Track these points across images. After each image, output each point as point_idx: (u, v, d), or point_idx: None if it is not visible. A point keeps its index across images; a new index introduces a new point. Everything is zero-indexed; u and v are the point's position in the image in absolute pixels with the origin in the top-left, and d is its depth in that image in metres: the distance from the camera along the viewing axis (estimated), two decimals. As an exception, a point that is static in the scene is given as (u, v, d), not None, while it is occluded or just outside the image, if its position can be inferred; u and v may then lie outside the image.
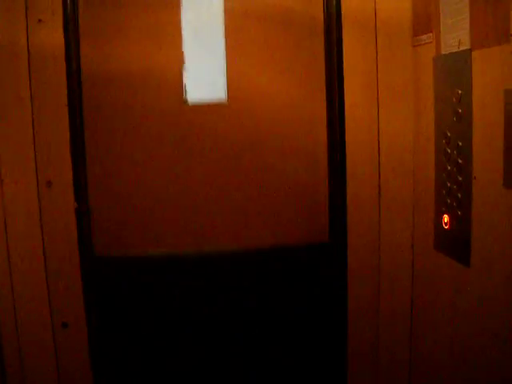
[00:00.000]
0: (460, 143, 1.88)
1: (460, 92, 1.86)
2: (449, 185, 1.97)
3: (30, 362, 2.29)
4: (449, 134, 1.95)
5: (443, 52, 1.97)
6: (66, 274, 2.28)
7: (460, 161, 1.89)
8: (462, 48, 1.83)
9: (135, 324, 2.42)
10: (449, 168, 1.96)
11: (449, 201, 1.98)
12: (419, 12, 2.17)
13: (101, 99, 2.33)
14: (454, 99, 1.89)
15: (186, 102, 2.34)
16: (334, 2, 2.25)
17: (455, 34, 1.87)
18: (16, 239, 2.23)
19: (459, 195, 1.91)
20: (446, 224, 2.00)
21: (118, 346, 2.43)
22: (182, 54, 2.32)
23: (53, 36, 2.17)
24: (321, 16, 2.32)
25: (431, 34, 2.06)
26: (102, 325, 2.39)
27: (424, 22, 2.12)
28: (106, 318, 2.40)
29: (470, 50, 1.78)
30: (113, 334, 2.42)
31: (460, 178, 1.89)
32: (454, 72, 1.90)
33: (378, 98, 2.30)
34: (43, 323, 2.28)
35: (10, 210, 2.21)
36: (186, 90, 2.34)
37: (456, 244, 1.95)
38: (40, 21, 2.16)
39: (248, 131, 2.39)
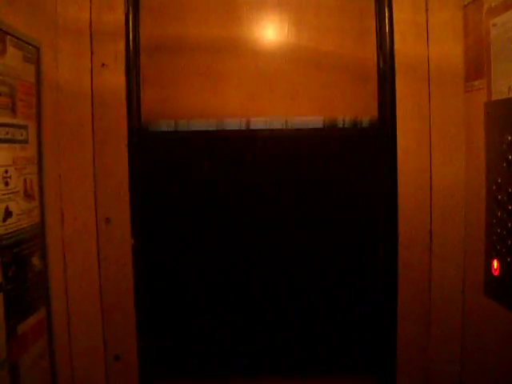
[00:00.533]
0: (510, 190, 1.88)
1: (510, 138, 1.86)
2: (499, 231, 1.96)
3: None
4: (499, 181, 1.95)
5: (494, 98, 1.98)
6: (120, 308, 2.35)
7: (510, 207, 1.88)
8: (512, 95, 1.85)
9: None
10: (499, 214, 1.96)
11: (499, 247, 1.97)
12: (471, 57, 2.19)
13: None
14: (505, 146, 1.90)
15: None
16: (388, 49, 2.29)
17: (506, 80, 1.88)
18: (74, 273, 2.31)
19: (509, 241, 1.89)
20: (495, 270, 1.99)
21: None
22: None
23: (115, 79, 2.28)
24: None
25: (482, 81, 2.07)
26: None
27: (476, 67, 2.14)
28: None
29: (520, 97, 1.79)
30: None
31: (510, 225, 1.89)
32: (504, 118, 1.91)
33: (430, 144, 2.30)
34: (97, 357, 2.35)
35: (69, 245, 2.30)
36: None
37: (506, 290, 1.93)
38: (103, 65, 2.27)
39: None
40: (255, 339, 2.49)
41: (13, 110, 1.84)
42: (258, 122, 2.40)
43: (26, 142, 1.93)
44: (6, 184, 1.79)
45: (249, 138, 2.42)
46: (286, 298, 2.46)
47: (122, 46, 2.28)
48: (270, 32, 2.41)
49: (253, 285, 2.45)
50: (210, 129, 2.40)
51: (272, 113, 2.41)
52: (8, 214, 1.80)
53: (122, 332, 2.35)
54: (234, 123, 2.39)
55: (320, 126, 2.40)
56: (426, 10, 2.28)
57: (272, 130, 2.41)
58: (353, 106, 2.42)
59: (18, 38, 1.87)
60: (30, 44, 1.97)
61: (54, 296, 2.13)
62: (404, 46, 2.29)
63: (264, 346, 2.49)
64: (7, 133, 1.80)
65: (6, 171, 1.79)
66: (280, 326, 2.48)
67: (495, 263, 1.99)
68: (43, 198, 2.06)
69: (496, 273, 1.99)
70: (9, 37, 1.81)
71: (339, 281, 2.47)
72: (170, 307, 2.47)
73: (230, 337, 2.48)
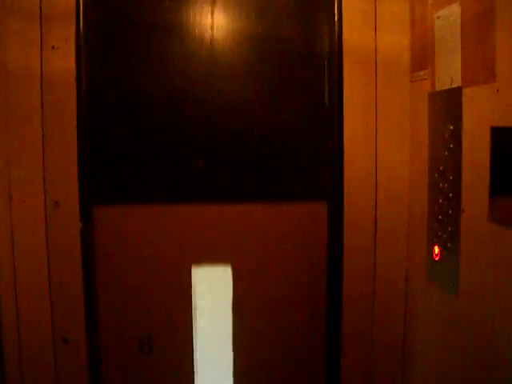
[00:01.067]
0: (451, 177, 1.94)
1: (451, 127, 1.92)
2: (440, 217, 2.03)
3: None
4: (441, 168, 2.01)
5: (437, 88, 2.04)
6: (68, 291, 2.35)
7: (450, 194, 1.94)
8: (453, 85, 1.90)
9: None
10: (440, 201, 2.02)
11: (440, 233, 2.03)
12: (417, 48, 2.25)
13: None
14: (446, 134, 1.96)
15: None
16: (336, 38, 2.33)
17: (448, 71, 1.94)
18: (22, 256, 2.30)
19: (449, 228, 1.96)
20: (436, 255, 2.06)
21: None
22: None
23: (65, 62, 2.26)
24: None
25: (427, 71, 2.13)
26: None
27: (421, 58, 2.20)
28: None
29: (461, 88, 1.84)
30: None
31: (450, 211, 1.95)
32: (446, 108, 1.97)
33: (376, 131, 2.36)
34: (45, 338, 2.35)
35: (18, 228, 2.29)
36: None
37: (445, 275, 2.00)
38: (54, 47, 2.26)
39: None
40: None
41: (-40, 92, 1.83)
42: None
43: (-27, 123, 1.92)
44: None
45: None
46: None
47: (72, 29, 2.26)
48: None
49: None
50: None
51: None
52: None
53: (71, 315, 2.35)
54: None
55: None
56: (375, 0, 2.33)
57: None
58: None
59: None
60: (-23, 25, 1.96)
61: (1, 279, 2.13)
62: (352, 36, 2.34)
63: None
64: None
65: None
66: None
67: (436, 249, 2.06)
68: (-10, 180, 2.05)
69: (437, 258, 2.06)
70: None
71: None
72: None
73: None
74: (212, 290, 2.50)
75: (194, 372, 2.50)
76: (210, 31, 2.38)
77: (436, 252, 2.06)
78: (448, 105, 1.95)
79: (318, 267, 2.48)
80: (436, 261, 2.07)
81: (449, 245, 1.96)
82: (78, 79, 2.28)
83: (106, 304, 2.44)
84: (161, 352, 2.48)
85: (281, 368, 2.53)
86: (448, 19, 1.93)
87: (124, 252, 2.42)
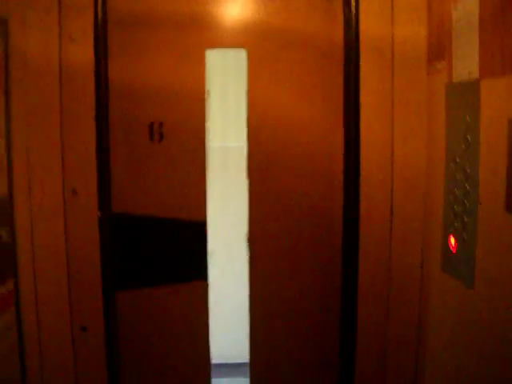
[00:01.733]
0: (468, 169, 1.94)
1: (469, 119, 1.92)
2: (456, 209, 2.03)
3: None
4: (458, 160, 2.01)
5: (455, 80, 2.03)
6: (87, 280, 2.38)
7: (467, 186, 1.95)
8: (471, 77, 1.90)
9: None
10: (457, 193, 2.02)
11: (456, 224, 2.04)
12: (434, 40, 2.25)
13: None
14: (464, 126, 1.96)
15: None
16: (353, 29, 2.33)
17: (466, 63, 1.93)
18: (41, 244, 2.33)
19: (465, 219, 1.96)
20: (452, 246, 2.06)
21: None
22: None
23: (83, 53, 2.29)
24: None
25: (444, 62, 2.12)
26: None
27: (438, 50, 2.20)
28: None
29: (479, 80, 1.84)
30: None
31: (467, 203, 1.95)
32: (463, 100, 1.97)
33: (393, 122, 2.37)
34: (63, 326, 2.38)
35: (37, 216, 2.32)
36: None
37: (461, 266, 2.00)
38: (72, 38, 2.27)
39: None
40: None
41: (-19, 83, 1.85)
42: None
43: (-6, 114, 1.94)
44: (-25, 157, 1.81)
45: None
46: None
47: (90, 20, 2.28)
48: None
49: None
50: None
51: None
52: (-23, 186, 1.82)
53: (89, 303, 2.38)
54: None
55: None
56: (392, -9, 2.33)
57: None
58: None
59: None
60: (-3, 16, 1.97)
61: (21, 268, 2.15)
62: (369, 27, 2.34)
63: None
64: (-24, 106, 1.81)
65: (-25, 144, 1.81)
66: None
67: (452, 239, 2.06)
68: (11, 170, 2.07)
69: (453, 249, 2.06)
70: (-23, 9, 1.81)
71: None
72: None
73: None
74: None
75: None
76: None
77: (452, 243, 2.06)
78: (465, 96, 1.95)
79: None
80: (452, 252, 2.07)
81: (465, 236, 1.97)
82: (97, 70, 2.30)
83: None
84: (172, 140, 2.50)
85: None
86: (466, 11, 1.92)
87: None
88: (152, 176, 2.47)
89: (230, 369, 2.70)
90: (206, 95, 2.44)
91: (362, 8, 2.32)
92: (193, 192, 2.48)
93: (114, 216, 2.43)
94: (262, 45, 2.44)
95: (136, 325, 2.51)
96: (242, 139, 2.52)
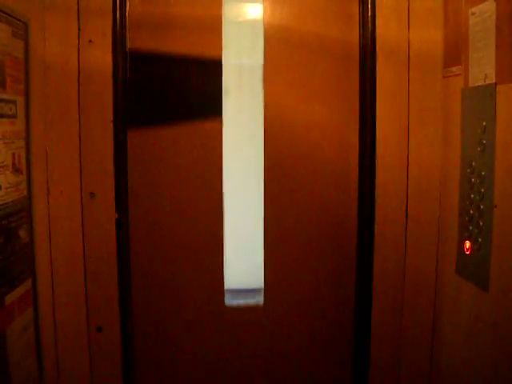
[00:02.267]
0: (483, 173, 1.95)
1: (485, 124, 1.93)
2: (471, 212, 2.04)
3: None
4: (473, 164, 2.02)
5: (471, 84, 2.05)
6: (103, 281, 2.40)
7: (482, 189, 1.96)
8: (487, 82, 1.91)
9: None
10: (472, 196, 2.03)
11: (471, 227, 2.05)
12: (450, 44, 2.26)
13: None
14: (479, 130, 1.97)
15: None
16: (370, 32, 2.34)
17: (482, 67, 1.95)
18: (59, 246, 2.35)
19: (481, 222, 1.97)
20: (467, 249, 2.07)
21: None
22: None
23: (102, 56, 2.31)
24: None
25: (460, 67, 2.14)
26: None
27: (454, 54, 2.21)
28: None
29: (495, 84, 1.85)
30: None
31: (482, 206, 1.96)
32: (479, 104, 1.98)
33: (408, 126, 2.38)
34: (80, 327, 2.40)
35: (55, 219, 2.34)
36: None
37: (476, 270, 2.01)
38: (91, 41, 2.30)
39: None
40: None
41: (2, 85, 1.87)
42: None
43: (14, 116, 1.96)
44: (-4, 158, 1.83)
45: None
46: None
47: (109, 23, 2.30)
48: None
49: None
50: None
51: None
52: (-3, 187, 1.84)
53: (105, 304, 2.40)
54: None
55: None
56: (408, -5, 2.35)
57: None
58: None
59: (6, 14, 1.89)
60: (18, 19, 1.99)
61: (39, 268, 2.17)
62: (386, 30, 2.35)
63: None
64: (-3, 108, 1.84)
65: (-4, 145, 1.83)
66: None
67: (467, 243, 2.07)
68: (30, 171, 2.10)
69: (468, 252, 2.07)
70: (-1, 12, 1.84)
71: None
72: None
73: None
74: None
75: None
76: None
77: (467, 246, 2.07)
78: (481, 101, 1.96)
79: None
80: (467, 255, 2.08)
81: (480, 240, 1.98)
82: (115, 73, 2.32)
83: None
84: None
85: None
86: (482, 15, 1.94)
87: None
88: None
89: (245, 294, 2.66)
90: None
91: (378, 11, 2.34)
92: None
93: (131, 51, 2.42)
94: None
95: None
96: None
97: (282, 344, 2.60)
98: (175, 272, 2.52)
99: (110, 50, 2.31)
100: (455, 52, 2.19)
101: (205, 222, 2.51)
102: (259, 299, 2.58)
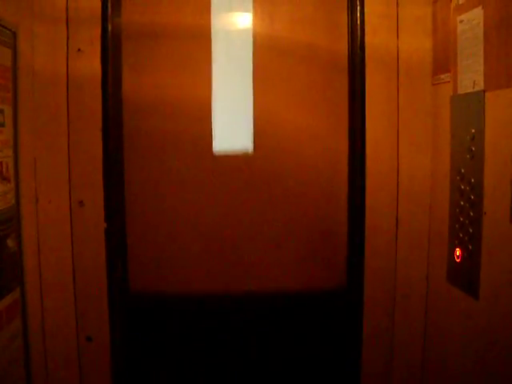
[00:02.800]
0: (473, 180, 1.95)
1: (473, 131, 1.93)
2: (461, 219, 2.04)
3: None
4: (463, 171, 2.02)
5: (459, 92, 2.05)
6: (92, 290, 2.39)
7: (472, 197, 1.96)
8: (476, 89, 1.91)
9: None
10: (462, 203, 2.03)
11: (461, 235, 2.04)
12: (439, 52, 2.26)
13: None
14: (468, 137, 1.97)
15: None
16: (359, 40, 2.35)
17: (470, 75, 1.95)
18: (48, 255, 2.33)
19: (471, 230, 1.97)
20: (458, 257, 2.07)
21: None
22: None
23: (91, 64, 2.30)
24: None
25: (449, 74, 2.14)
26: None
27: (443, 61, 2.21)
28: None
29: (484, 92, 1.86)
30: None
31: (472, 213, 1.96)
32: (468, 111, 1.98)
33: (398, 133, 2.38)
34: (69, 337, 2.38)
35: (44, 227, 2.32)
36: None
37: (466, 277, 2.01)
38: (79, 50, 2.29)
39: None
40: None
41: (-11, 94, 1.87)
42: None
43: (2, 125, 1.95)
44: (-17, 167, 1.82)
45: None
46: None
47: (98, 32, 2.30)
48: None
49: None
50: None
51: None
52: (-16, 196, 1.83)
53: (95, 314, 2.38)
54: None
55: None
56: (397, 4, 2.35)
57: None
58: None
59: (-5, 23, 1.89)
60: (6, 28, 1.99)
61: (28, 277, 2.16)
62: (375, 39, 2.36)
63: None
64: (-16, 116, 1.83)
65: (-17, 154, 1.82)
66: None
67: (457, 251, 2.07)
68: (18, 180, 2.08)
69: (458, 260, 2.07)
70: (-14, 21, 1.83)
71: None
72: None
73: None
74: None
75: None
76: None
77: (457, 254, 2.07)
78: (470, 108, 1.96)
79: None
80: (457, 263, 2.08)
81: (470, 247, 1.98)
82: (104, 81, 2.32)
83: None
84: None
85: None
86: (471, 23, 1.94)
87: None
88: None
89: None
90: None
91: (367, 20, 2.34)
92: None
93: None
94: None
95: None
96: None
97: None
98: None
99: (99, 58, 2.31)
100: (444, 59, 2.20)
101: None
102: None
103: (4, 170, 1.96)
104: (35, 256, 2.29)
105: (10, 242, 2.02)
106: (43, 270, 2.32)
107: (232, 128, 2.49)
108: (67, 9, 2.28)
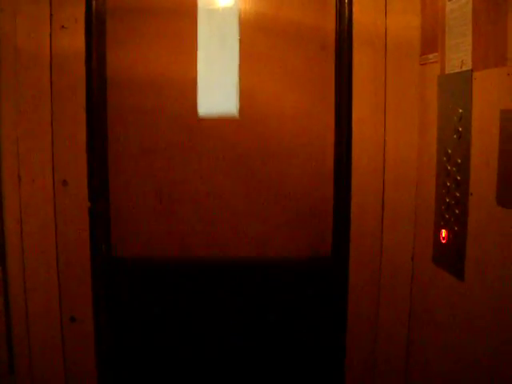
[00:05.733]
0: (459, 160, 1.94)
1: (461, 111, 1.92)
2: (447, 200, 2.03)
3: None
4: (449, 151, 2.01)
5: (447, 71, 2.03)
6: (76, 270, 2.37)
7: (458, 177, 1.94)
8: (464, 68, 1.89)
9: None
10: (448, 184, 2.02)
11: (447, 216, 2.04)
12: (427, 31, 2.24)
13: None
14: (455, 118, 1.95)
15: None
16: (346, 18, 2.33)
17: (458, 54, 1.93)
18: (30, 235, 2.31)
19: (457, 211, 1.96)
20: (443, 238, 2.06)
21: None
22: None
23: (75, 42, 2.27)
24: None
25: (437, 54, 2.12)
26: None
27: (431, 41, 2.19)
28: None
29: (472, 71, 1.84)
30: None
31: (458, 194, 1.95)
32: (456, 91, 1.96)
33: (385, 113, 2.36)
34: (52, 317, 2.37)
35: (27, 207, 2.30)
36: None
37: (452, 258, 2.00)
38: (63, 27, 2.25)
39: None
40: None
41: (-30, 71, 1.84)
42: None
43: (-17, 103, 1.92)
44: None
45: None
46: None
47: (82, 9, 2.26)
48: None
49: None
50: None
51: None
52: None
53: (78, 294, 2.37)
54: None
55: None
56: (386, -19, 2.32)
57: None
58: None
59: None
60: (-12, 4, 1.96)
61: (10, 257, 2.15)
62: (362, 17, 2.33)
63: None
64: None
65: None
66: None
67: (443, 232, 2.06)
68: (1, 159, 2.06)
69: (444, 241, 2.06)
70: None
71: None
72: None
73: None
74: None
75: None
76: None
77: (443, 235, 2.06)
78: (458, 88, 1.94)
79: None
80: (443, 244, 2.07)
81: (456, 228, 1.97)
82: (88, 59, 2.28)
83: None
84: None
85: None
86: (459, 2, 1.92)
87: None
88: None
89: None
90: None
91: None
92: None
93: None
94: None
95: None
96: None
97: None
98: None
99: (83, 35, 2.27)
100: (432, 39, 2.18)
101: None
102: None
103: (-15, 148, 1.94)
104: (18, 235, 2.27)
105: (-8, 222, 2.00)
106: (26, 250, 2.29)
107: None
108: (50, -16, 2.24)
